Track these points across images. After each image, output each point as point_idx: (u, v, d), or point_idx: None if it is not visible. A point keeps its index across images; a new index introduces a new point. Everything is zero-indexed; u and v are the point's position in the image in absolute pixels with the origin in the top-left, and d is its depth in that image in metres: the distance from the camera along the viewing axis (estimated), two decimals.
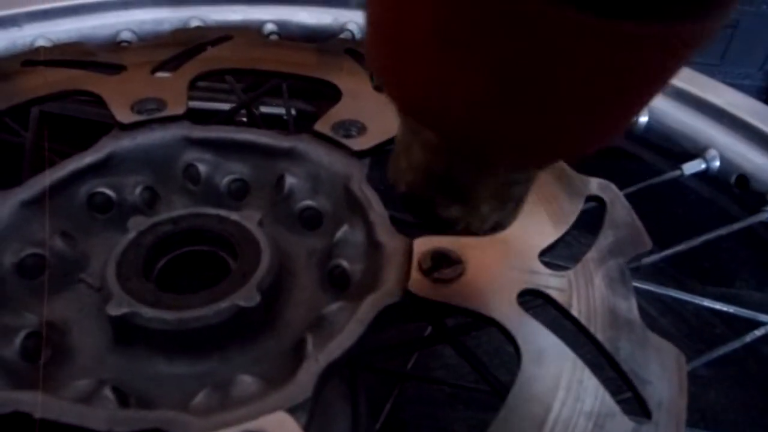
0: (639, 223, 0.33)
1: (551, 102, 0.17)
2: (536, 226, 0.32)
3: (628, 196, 0.46)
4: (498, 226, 0.22)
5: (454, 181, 0.21)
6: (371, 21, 0.18)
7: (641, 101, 0.18)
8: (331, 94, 0.44)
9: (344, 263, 0.33)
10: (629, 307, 0.28)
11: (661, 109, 0.58)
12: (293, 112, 0.63)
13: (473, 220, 0.22)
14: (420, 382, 0.50)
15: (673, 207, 0.65)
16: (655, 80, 0.17)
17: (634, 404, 0.25)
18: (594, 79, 0.16)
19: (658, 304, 0.57)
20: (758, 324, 0.40)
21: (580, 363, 0.26)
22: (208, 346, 0.30)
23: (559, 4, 0.14)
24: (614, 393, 0.26)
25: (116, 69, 0.43)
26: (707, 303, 0.40)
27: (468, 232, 0.22)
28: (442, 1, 0.16)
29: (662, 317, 0.56)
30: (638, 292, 0.38)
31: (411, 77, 0.18)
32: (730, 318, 0.42)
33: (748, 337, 0.41)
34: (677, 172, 0.53)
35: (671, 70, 0.17)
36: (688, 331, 0.56)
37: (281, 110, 0.68)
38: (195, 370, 0.29)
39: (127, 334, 0.30)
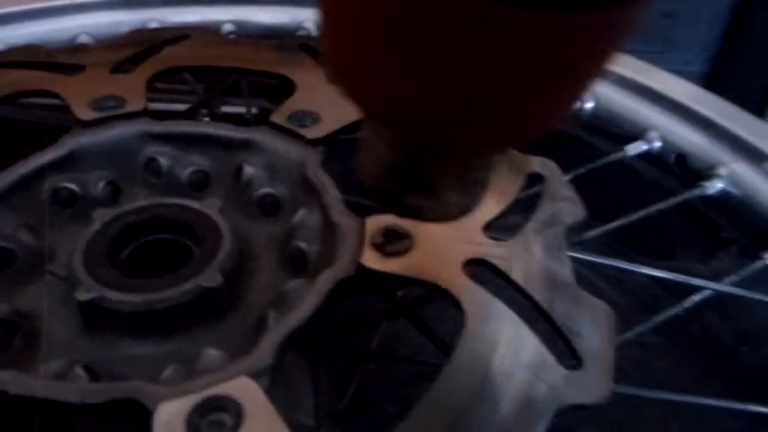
0: (575, 196, 0.35)
1: (488, 94, 0.18)
2: (480, 202, 0.34)
3: (577, 178, 0.49)
4: (463, 211, 0.24)
5: (418, 173, 0.22)
6: (323, 26, 0.20)
7: (578, 87, 0.19)
8: (289, 89, 0.46)
9: (302, 244, 0.35)
10: (565, 271, 0.31)
11: (606, 95, 0.61)
12: (254, 110, 0.65)
13: (441, 208, 0.23)
14: (384, 363, 0.52)
15: (622, 187, 0.69)
16: (586, 67, 0.18)
17: (569, 356, 0.28)
18: (520, 70, 0.17)
19: (608, 279, 0.60)
20: (696, 289, 0.43)
21: (519, 321, 0.28)
22: (174, 326, 0.31)
23: None
24: (551, 347, 0.28)
25: (75, 69, 0.44)
26: (645, 270, 0.43)
27: (437, 218, 0.24)
28: (374, 4, 0.17)
29: (612, 290, 0.59)
30: (586, 264, 0.41)
31: (362, 78, 0.20)
32: (675, 289, 0.44)
33: (687, 303, 0.44)
34: (621, 154, 0.56)
35: (600, 57, 0.18)
36: (636, 302, 0.59)
37: (242, 109, 0.69)
38: (163, 349, 0.31)
39: (96, 318, 0.31)
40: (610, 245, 0.66)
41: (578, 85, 0.19)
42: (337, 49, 0.20)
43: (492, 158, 0.23)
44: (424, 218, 0.23)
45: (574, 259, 0.38)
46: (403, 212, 0.24)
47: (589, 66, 0.18)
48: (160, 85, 0.80)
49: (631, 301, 0.59)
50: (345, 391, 0.46)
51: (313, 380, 0.33)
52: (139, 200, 0.38)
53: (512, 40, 0.16)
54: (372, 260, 0.31)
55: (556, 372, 0.26)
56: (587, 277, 0.61)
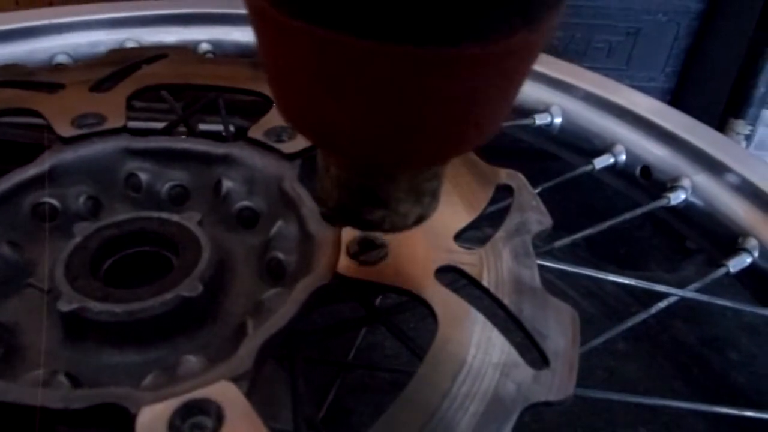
0: (542, 206, 0.37)
1: (407, 120, 0.19)
2: (451, 213, 0.36)
3: (548, 190, 0.50)
4: (420, 220, 0.25)
5: (370, 190, 0.24)
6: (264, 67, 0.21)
7: (497, 106, 0.20)
8: (265, 107, 0.47)
9: (280, 255, 0.36)
10: (532, 276, 0.32)
11: (574, 111, 0.63)
12: (231, 128, 0.66)
13: (396, 219, 0.25)
14: (362, 373, 0.53)
15: (591, 199, 0.71)
16: (495, 90, 0.19)
17: (536, 356, 0.29)
18: (425, 99, 0.18)
19: (579, 288, 0.62)
20: (662, 296, 0.45)
21: (489, 324, 0.30)
22: (155, 335, 0.32)
23: (362, 36, 0.16)
24: (519, 348, 0.29)
25: (55, 88, 0.45)
26: (611, 277, 0.45)
27: (394, 229, 0.25)
28: (289, 55, 0.19)
29: (583, 300, 0.61)
30: (557, 273, 0.42)
31: (299, 113, 0.21)
32: (645, 299, 0.46)
33: (654, 309, 0.45)
34: (589, 167, 0.58)
35: (503, 83, 0.19)
36: (608, 312, 0.61)
37: (220, 127, 0.70)
38: (144, 358, 0.32)
39: (77, 328, 0.32)
40: (581, 256, 0.68)
41: (495, 105, 0.20)
42: (275, 87, 0.21)
43: (438, 171, 0.25)
44: (384, 230, 0.25)
45: (544, 268, 0.39)
46: (364, 226, 0.25)
47: (496, 89, 0.19)
48: (138, 104, 0.81)
49: (602, 310, 0.61)
50: (324, 401, 0.47)
51: (292, 389, 0.34)
52: (120, 215, 0.38)
53: (397, 73, 0.17)
54: (347, 268, 0.32)
55: (524, 371, 0.28)
56: (560, 288, 0.63)
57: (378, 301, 0.48)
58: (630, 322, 0.44)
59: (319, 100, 0.20)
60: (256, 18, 0.20)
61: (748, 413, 0.42)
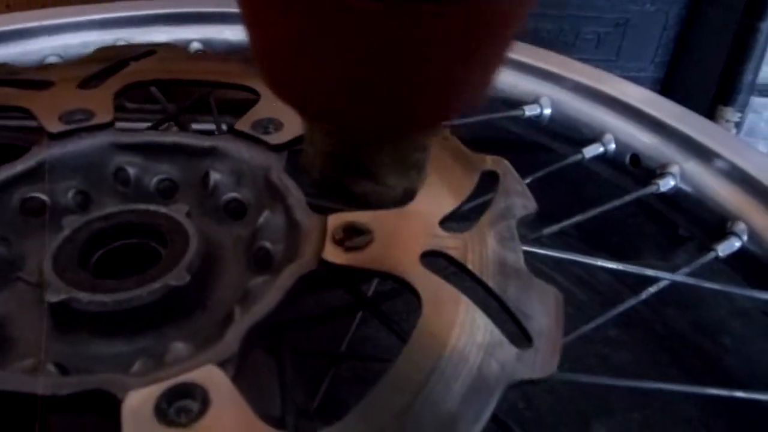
0: (527, 191, 0.37)
1: (386, 80, 0.19)
2: (437, 198, 0.36)
3: (539, 180, 0.51)
4: (407, 195, 0.25)
5: (356, 159, 0.24)
6: (247, 35, 0.22)
7: (476, 70, 0.21)
8: (255, 102, 0.47)
9: (267, 244, 0.36)
10: (517, 259, 0.33)
11: (564, 101, 0.63)
12: (224, 127, 0.66)
13: (384, 191, 0.25)
14: (356, 365, 0.53)
15: (582, 188, 0.71)
16: (473, 52, 0.20)
17: (521, 336, 0.29)
18: (398, 57, 0.19)
19: (572, 278, 0.62)
20: (652, 281, 0.45)
21: (473, 305, 0.30)
22: (144, 325, 0.32)
23: None
24: (504, 329, 0.30)
25: (44, 85, 0.45)
26: (600, 263, 0.45)
27: (382, 204, 0.25)
28: (269, 17, 0.19)
29: (577, 288, 0.61)
30: (545, 259, 0.42)
31: (281, 79, 0.21)
32: (637, 287, 0.46)
33: (644, 294, 0.46)
34: (579, 156, 0.59)
35: (483, 42, 0.20)
36: (601, 300, 0.61)
37: (212, 126, 0.70)
38: (133, 347, 0.32)
39: (66, 319, 0.32)
40: (573, 246, 0.68)
41: (475, 68, 0.20)
42: (258, 54, 0.22)
43: (425, 142, 0.25)
44: (371, 203, 0.25)
45: (533, 255, 0.40)
46: (350, 200, 0.25)
47: (475, 51, 0.19)
48: (130, 105, 0.81)
49: (594, 298, 0.62)
50: (317, 393, 0.47)
51: (280, 377, 0.34)
52: (109, 208, 0.39)
53: (377, 32, 0.18)
54: (333, 254, 0.32)
55: (508, 351, 0.28)
56: (553, 277, 0.63)
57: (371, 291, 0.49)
58: (621, 308, 0.44)
59: (303, 65, 0.20)
60: None
61: (739, 394, 0.42)
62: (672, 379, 0.54)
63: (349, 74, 0.19)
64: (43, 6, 0.88)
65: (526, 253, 0.34)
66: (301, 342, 0.48)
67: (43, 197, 0.39)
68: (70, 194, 0.39)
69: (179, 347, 0.30)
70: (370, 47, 0.18)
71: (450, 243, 0.33)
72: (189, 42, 0.71)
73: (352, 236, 0.33)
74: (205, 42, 0.72)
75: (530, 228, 0.43)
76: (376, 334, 0.56)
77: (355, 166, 0.24)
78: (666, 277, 0.45)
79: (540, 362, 0.28)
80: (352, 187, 0.25)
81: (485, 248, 0.33)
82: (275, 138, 0.40)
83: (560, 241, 0.61)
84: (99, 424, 0.31)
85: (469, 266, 0.32)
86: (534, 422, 0.48)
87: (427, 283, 0.31)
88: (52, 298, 0.31)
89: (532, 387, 0.35)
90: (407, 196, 0.25)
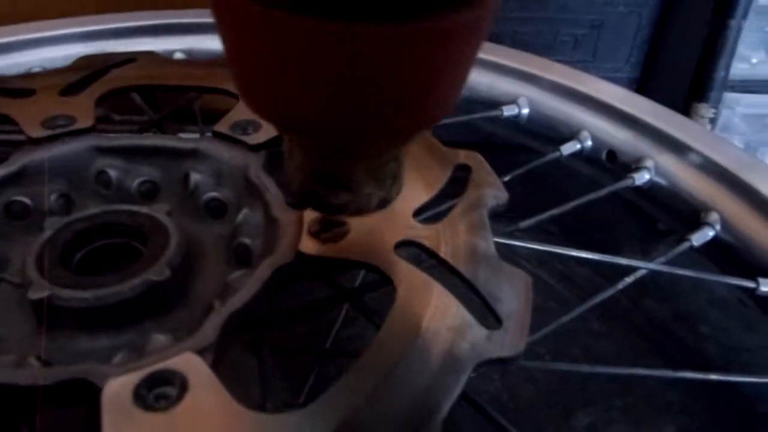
0: (499, 182, 0.38)
1: (362, 97, 0.20)
2: (411, 191, 0.37)
3: (518, 178, 0.52)
4: (383, 202, 0.26)
5: (333, 173, 0.25)
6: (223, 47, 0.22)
7: (448, 84, 0.21)
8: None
9: (246, 240, 0.37)
10: (487, 246, 0.34)
11: (540, 101, 0.65)
12: (209, 135, 0.67)
13: (360, 201, 0.26)
14: (342, 362, 0.54)
15: (561, 186, 0.72)
16: (443, 68, 0.20)
17: (491, 319, 0.30)
18: (377, 76, 0.19)
19: (553, 273, 0.63)
20: (629, 271, 0.46)
21: (445, 290, 0.31)
22: (125, 320, 0.33)
23: (298, 12, 0.17)
24: (476, 313, 0.30)
25: (26, 93, 0.46)
26: (575, 253, 0.46)
27: (359, 212, 0.26)
28: (244, 33, 0.20)
29: (558, 284, 0.62)
30: (528, 255, 0.43)
31: (255, 92, 0.22)
32: (617, 279, 0.47)
33: (620, 284, 0.47)
34: (557, 153, 0.60)
35: (455, 59, 0.20)
36: (581, 293, 0.62)
37: (196, 135, 0.71)
38: (115, 342, 0.33)
39: (49, 316, 0.33)
40: (554, 242, 0.69)
41: (449, 80, 0.21)
42: (237, 74, 0.22)
43: (399, 152, 0.26)
44: (348, 213, 0.26)
45: (509, 246, 0.40)
46: (329, 211, 0.26)
47: (444, 67, 0.20)
48: (116, 117, 0.82)
49: (576, 293, 0.63)
50: (302, 390, 0.48)
51: (260, 371, 0.35)
52: (90, 210, 0.39)
53: (353, 51, 0.18)
54: (309, 246, 0.33)
55: (478, 332, 0.29)
56: (536, 274, 0.64)
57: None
58: (599, 298, 0.45)
59: (280, 83, 0.20)
60: (216, 5, 0.21)
61: (713, 377, 0.43)
62: (654, 368, 0.55)
63: (316, 92, 0.20)
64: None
65: (503, 245, 0.35)
66: (286, 342, 0.49)
67: (26, 201, 0.39)
68: (53, 197, 0.40)
69: (160, 339, 0.31)
70: (334, 67, 0.19)
71: (423, 233, 0.34)
72: (172, 52, 0.72)
73: (328, 228, 0.34)
74: (188, 52, 0.73)
75: (508, 223, 0.45)
76: (362, 333, 0.57)
77: (331, 178, 0.25)
78: (641, 266, 0.47)
79: (509, 342, 0.28)
80: (329, 199, 0.25)
81: (457, 237, 0.34)
82: (254, 138, 0.41)
83: (542, 237, 0.62)
84: (85, 422, 0.31)
85: (442, 254, 0.33)
86: (516, 412, 0.49)
87: (401, 271, 0.32)
88: (34, 295, 0.32)
89: (512, 375, 0.35)
90: (382, 205, 0.26)
